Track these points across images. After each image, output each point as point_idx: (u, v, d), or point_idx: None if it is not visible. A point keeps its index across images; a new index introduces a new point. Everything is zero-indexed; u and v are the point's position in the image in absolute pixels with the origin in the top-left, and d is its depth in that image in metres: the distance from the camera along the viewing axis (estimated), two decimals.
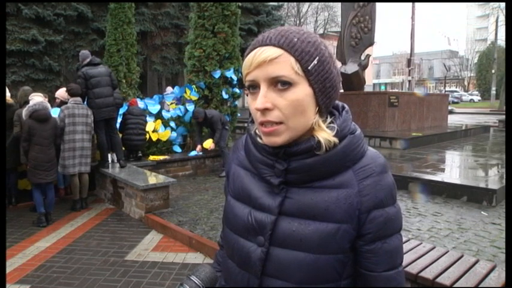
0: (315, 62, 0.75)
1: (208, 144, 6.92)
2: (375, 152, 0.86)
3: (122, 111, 6.55)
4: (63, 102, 5.92)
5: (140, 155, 6.59)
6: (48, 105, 4.86)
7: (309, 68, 0.75)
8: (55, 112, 5.39)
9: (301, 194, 0.81)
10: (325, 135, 0.78)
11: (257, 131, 0.85)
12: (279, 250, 0.81)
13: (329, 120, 0.81)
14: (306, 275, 0.79)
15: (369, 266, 0.81)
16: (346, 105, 0.86)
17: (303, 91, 0.75)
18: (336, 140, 0.78)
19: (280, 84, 0.74)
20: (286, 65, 0.74)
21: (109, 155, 5.95)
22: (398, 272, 0.83)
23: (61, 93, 6.14)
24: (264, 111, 0.76)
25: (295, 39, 0.75)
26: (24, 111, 4.71)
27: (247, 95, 0.81)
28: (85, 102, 5.55)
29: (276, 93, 0.75)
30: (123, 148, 6.22)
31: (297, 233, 0.80)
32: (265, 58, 0.74)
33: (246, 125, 0.93)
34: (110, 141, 5.89)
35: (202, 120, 6.73)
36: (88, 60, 5.65)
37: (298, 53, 0.74)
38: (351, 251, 0.81)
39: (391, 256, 0.81)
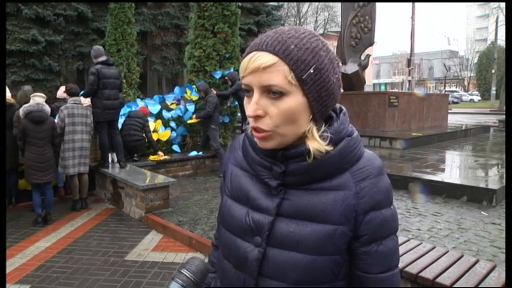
0: (311, 71, 0.74)
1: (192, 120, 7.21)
2: (372, 154, 0.86)
3: (122, 111, 6.57)
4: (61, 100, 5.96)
5: (136, 159, 6.49)
6: (47, 106, 4.84)
7: (303, 77, 0.73)
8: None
9: (298, 196, 0.81)
10: (316, 145, 0.77)
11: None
12: (276, 251, 0.81)
13: (323, 128, 0.80)
14: (302, 276, 0.79)
15: (364, 267, 0.81)
16: (343, 107, 0.86)
17: (295, 100, 0.74)
18: (328, 148, 0.78)
19: (272, 92, 0.74)
20: (279, 74, 0.73)
21: (109, 155, 5.95)
22: (394, 274, 0.83)
23: (60, 92, 6.17)
24: (256, 117, 0.76)
25: (292, 46, 0.73)
26: (21, 111, 4.72)
27: None
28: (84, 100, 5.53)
29: (268, 101, 0.75)
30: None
31: (294, 234, 0.80)
32: (259, 65, 0.73)
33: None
34: (111, 142, 5.88)
35: (204, 96, 6.93)
36: (104, 59, 5.59)
37: (293, 61, 0.73)
38: (347, 253, 0.81)
39: (387, 258, 0.81)
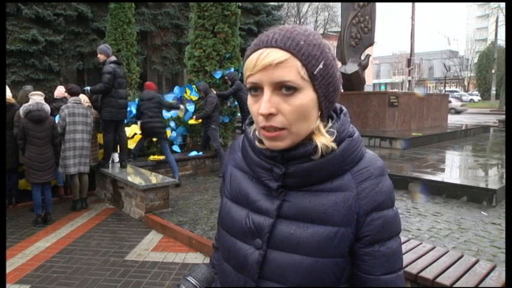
0: (321, 66, 0.74)
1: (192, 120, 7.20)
2: (373, 154, 0.85)
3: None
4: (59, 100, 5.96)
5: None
6: (46, 106, 4.84)
7: (315, 72, 0.73)
8: (57, 118, 5.37)
9: (299, 198, 0.80)
10: (324, 140, 0.77)
11: (256, 133, 0.84)
12: (277, 253, 0.80)
13: (330, 124, 0.80)
14: (303, 279, 0.78)
15: (367, 269, 0.80)
16: (344, 108, 0.85)
17: (307, 96, 0.74)
18: (333, 145, 0.77)
19: (285, 89, 0.73)
20: (293, 70, 0.72)
21: (111, 155, 5.94)
22: (397, 276, 0.81)
23: (58, 92, 6.17)
24: (268, 116, 0.74)
25: (302, 42, 0.73)
26: (20, 110, 4.72)
27: None
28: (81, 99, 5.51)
29: (280, 98, 0.74)
30: (143, 134, 6.32)
31: (294, 236, 0.79)
32: (271, 61, 0.72)
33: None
34: (118, 141, 5.89)
35: (204, 96, 6.88)
36: (115, 58, 5.62)
37: (304, 57, 0.73)
38: (349, 255, 0.80)
39: (390, 259, 0.80)
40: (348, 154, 0.79)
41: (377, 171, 0.81)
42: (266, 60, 0.72)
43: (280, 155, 0.79)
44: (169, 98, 8.24)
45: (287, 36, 0.73)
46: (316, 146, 0.77)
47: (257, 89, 0.75)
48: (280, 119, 0.74)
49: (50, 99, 6.62)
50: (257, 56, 0.74)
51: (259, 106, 0.74)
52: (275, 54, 0.72)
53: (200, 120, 7.07)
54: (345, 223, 0.78)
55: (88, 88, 5.65)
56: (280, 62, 0.72)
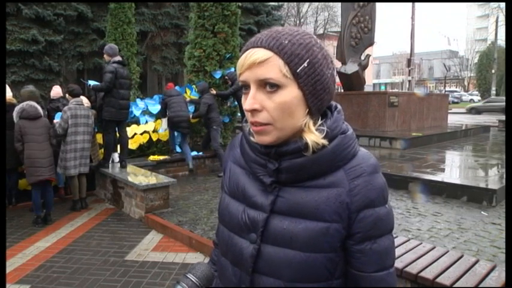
0: (305, 64, 0.76)
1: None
2: (367, 152, 0.86)
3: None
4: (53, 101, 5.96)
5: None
6: (38, 107, 4.84)
7: (298, 70, 0.75)
8: (58, 117, 5.37)
9: (292, 193, 0.82)
10: (313, 137, 0.78)
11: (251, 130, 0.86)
12: (270, 248, 0.82)
13: (319, 122, 0.81)
14: (296, 273, 0.80)
15: (358, 266, 0.81)
16: (338, 105, 0.87)
17: (290, 94, 0.76)
18: (324, 141, 0.79)
19: (269, 86, 0.76)
20: (275, 68, 0.75)
21: (112, 155, 5.94)
22: (388, 274, 0.82)
23: (53, 92, 6.16)
24: (253, 112, 0.78)
25: (286, 42, 0.76)
26: (15, 114, 4.75)
27: None
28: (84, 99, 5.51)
29: (264, 95, 0.77)
30: (170, 127, 6.81)
31: (287, 231, 0.81)
32: (255, 60, 0.76)
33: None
34: (119, 141, 5.88)
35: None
36: (120, 58, 5.63)
37: (287, 55, 0.75)
38: (341, 250, 0.81)
39: (381, 257, 0.81)
40: (340, 150, 0.81)
41: (370, 169, 0.82)
42: (250, 59, 0.76)
43: (274, 151, 0.81)
44: None
45: (272, 37, 0.77)
46: (307, 143, 0.78)
47: (247, 87, 0.79)
48: (264, 115, 0.77)
49: (48, 99, 6.62)
50: (245, 55, 0.78)
51: None
52: (258, 54, 0.76)
53: (196, 120, 7.21)
54: (336, 219, 0.79)
55: (90, 83, 5.67)
56: (263, 60, 0.75)
